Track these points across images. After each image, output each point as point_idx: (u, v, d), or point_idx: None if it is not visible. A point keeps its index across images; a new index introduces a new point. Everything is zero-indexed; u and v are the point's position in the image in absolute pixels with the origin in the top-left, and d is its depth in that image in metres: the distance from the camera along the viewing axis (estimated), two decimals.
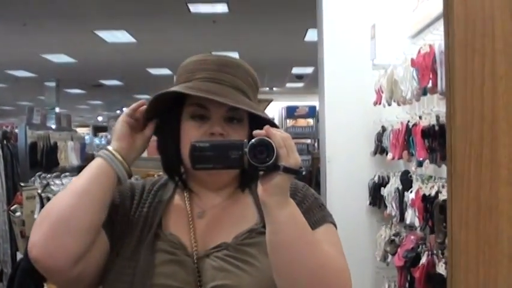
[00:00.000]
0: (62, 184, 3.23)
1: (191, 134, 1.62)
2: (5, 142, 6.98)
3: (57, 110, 16.97)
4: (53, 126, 9.33)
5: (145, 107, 1.67)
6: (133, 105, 1.67)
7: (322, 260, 1.46)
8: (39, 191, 3.35)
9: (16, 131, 7.65)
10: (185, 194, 1.75)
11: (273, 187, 1.40)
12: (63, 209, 1.48)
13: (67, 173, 3.86)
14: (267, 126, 1.44)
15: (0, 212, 6.79)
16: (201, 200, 1.73)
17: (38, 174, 4.30)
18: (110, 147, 1.60)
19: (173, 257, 1.58)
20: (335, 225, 1.75)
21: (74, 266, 1.49)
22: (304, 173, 1.42)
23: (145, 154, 1.84)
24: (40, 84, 17.74)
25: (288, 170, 1.39)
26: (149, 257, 1.57)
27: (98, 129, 28.32)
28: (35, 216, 3.42)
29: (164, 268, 1.55)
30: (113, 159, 1.56)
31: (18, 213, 3.85)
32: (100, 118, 31.75)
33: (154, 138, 1.82)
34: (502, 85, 0.95)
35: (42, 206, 3.22)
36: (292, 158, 1.39)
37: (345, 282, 1.50)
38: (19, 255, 6.04)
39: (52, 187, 3.25)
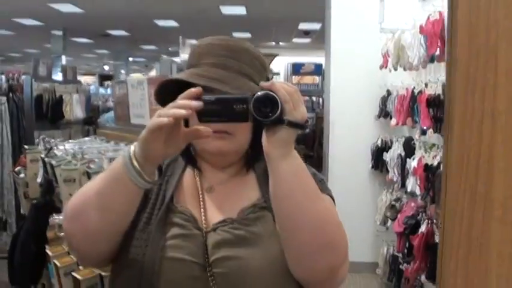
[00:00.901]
0: (65, 149, 3.24)
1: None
2: (10, 95, 6.97)
3: (63, 58, 16.94)
4: (60, 76, 9.35)
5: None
6: (184, 102, 1.42)
7: (323, 213, 1.50)
8: (43, 156, 3.38)
9: (23, 78, 7.61)
10: (195, 170, 1.79)
11: (277, 140, 1.41)
12: (93, 225, 1.53)
13: (70, 140, 3.86)
14: (271, 81, 1.44)
15: (6, 164, 6.83)
16: (209, 176, 1.77)
17: (41, 137, 4.28)
18: (132, 149, 1.49)
19: (184, 231, 1.62)
20: (333, 200, 1.76)
21: (109, 258, 1.64)
22: (308, 130, 1.42)
23: None
24: (47, 32, 17.65)
25: (292, 124, 1.39)
26: (161, 229, 1.61)
27: (104, 78, 28.21)
28: (38, 180, 3.45)
29: (175, 241, 1.59)
30: (134, 175, 1.47)
31: (22, 175, 3.89)
32: (106, 67, 31.65)
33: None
34: (501, 120, 0.94)
35: (45, 170, 3.26)
36: (298, 112, 1.40)
37: (343, 235, 1.54)
38: (22, 210, 6.09)
39: (55, 152, 3.27)
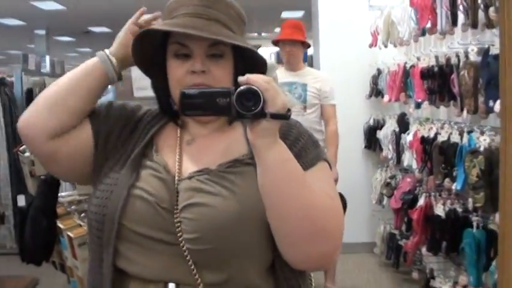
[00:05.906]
0: None
1: (175, 72, 1.65)
2: (2, 89, 6.94)
3: (47, 58, 16.91)
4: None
5: (146, 16, 1.83)
6: (136, 13, 1.83)
7: (311, 201, 1.49)
8: None
9: (9, 79, 7.57)
10: (179, 123, 1.77)
11: (261, 130, 1.43)
12: (51, 90, 1.70)
13: None
14: (247, 75, 1.44)
15: (1, 157, 6.82)
16: (191, 129, 1.75)
17: None
18: (107, 50, 1.76)
19: (157, 173, 1.61)
20: (328, 162, 1.77)
21: (48, 140, 1.66)
22: (291, 116, 1.43)
23: None
24: (30, 32, 17.58)
25: (274, 116, 1.41)
26: (132, 169, 1.62)
27: None
28: None
29: (145, 182, 1.59)
30: (106, 60, 1.73)
31: (27, 154, 3.86)
32: None
33: None
34: None
35: None
36: (279, 100, 1.41)
37: (335, 221, 1.54)
38: (19, 199, 6.05)
39: None
